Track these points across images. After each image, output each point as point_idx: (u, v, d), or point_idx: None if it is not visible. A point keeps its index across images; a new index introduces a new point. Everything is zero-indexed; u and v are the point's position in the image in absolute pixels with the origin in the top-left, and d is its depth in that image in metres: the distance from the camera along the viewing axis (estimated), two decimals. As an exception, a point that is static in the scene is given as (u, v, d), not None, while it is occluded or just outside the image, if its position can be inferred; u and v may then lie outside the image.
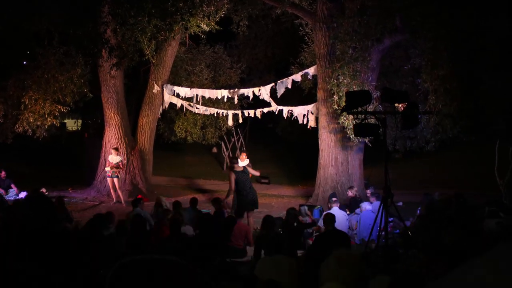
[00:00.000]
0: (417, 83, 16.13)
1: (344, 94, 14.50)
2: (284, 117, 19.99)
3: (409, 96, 9.62)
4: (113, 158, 18.64)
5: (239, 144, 30.61)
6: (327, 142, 17.43)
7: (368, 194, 15.96)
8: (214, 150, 33.42)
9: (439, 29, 13.39)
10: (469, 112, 13.82)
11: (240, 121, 21.77)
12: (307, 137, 22.76)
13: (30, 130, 18.82)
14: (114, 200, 18.56)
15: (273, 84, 19.79)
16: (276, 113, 20.22)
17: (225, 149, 30.11)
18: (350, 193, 15.90)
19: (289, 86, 19.42)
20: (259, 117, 20.91)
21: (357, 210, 14.30)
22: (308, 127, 18.91)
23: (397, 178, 21.05)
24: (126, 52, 17.04)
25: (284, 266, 7.41)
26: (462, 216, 10.90)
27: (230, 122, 22.00)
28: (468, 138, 14.72)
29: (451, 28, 13.22)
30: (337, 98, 15.59)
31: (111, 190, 18.65)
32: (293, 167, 28.21)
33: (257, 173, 15.79)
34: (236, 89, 21.47)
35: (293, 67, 21.60)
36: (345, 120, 15.47)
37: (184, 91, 21.44)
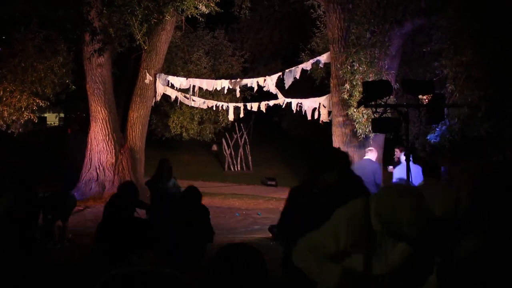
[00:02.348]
0: (433, 67, 15.96)
1: (358, 83, 14.43)
2: (293, 111, 19.92)
3: (434, 86, 9.55)
4: None
5: (242, 141, 30.58)
6: (341, 138, 17.28)
7: None
8: (214, 148, 33.38)
9: (464, 10, 13.29)
10: (493, 102, 13.70)
11: (242, 115, 21.73)
12: (319, 133, 22.68)
13: (4, 125, 18.78)
14: None
15: (280, 73, 19.72)
16: (284, 106, 20.14)
17: (226, 147, 30.10)
18: None
19: (298, 76, 19.35)
20: (264, 111, 20.84)
21: None
22: (320, 122, 18.82)
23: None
24: (113, 37, 16.99)
25: None
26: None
27: (231, 117, 21.96)
28: (489, 131, 14.59)
29: (478, 9, 13.12)
30: (348, 86, 15.46)
31: None
32: (303, 167, 28.15)
33: None
34: (238, 79, 21.43)
35: (303, 54, 21.52)
36: (354, 112, 15.31)
37: (179, 81, 21.41)
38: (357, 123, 15.31)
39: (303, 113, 19.39)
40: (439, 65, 14.62)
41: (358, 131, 15.49)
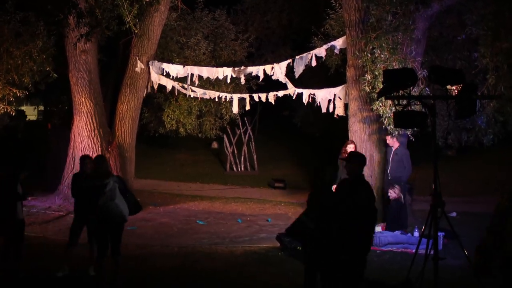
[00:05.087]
0: (473, 58, 15.91)
1: (380, 73, 14.40)
2: (304, 103, 19.90)
3: (465, 76, 9.54)
4: None
5: (246, 138, 30.52)
6: (359, 135, 17.31)
7: (409, 202, 15.85)
8: (215, 145, 33.40)
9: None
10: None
11: (248, 107, 21.66)
12: (334, 128, 22.67)
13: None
14: None
15: (290, 60, 19.69)
16: (294, 97, 20.13)
17: (228, 144, 30.08)
18: (392, 195, 15.42)
19: (311, 63, 19.31)
20: (273, 103, 20.80)
21: None
22: (335, 115, 18.80)
23: (450, 182, 21.01)
24: (100, 19, 16.98)
25: None
26: None
27: (235, 109, 21.91)
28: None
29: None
30: (370, 77, 15.43)
31: None
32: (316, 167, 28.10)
33: None
34: (242, 67, 21.35)
35: (315, 38, 21.47)
36: (380, 106, 15.30)
37: (176, 69, 21.35)
38: (385, 118, 15.24)
39: (316, 106, 19.35)
40: (479, 55, 14.55)
41: (388, 128, 15.44)
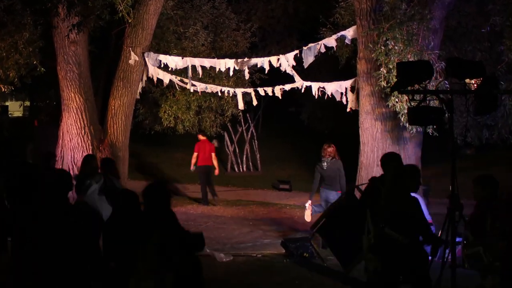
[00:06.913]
0: (499, 51, 15.89)
1: (395, 66, 14.40)
2: (311, 98, 19.79)
3: (486, 68, 9.54)
4: None
5: (249, 136, 30.49)
6: (371, 132, 17.25)
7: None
8: (215, 143, 33.35)
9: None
10: None
11: (255, 102, 21.46)
12: (344, 125, 22.67)
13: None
14: None
15: (297, 51, 19.65)
16: (303, 91, 20.05)
17: (229, 143, 30.08)
18: None
19: (321, 51, 19.20)
20: (279, 97, 20.64)
21: None
22: (348, 109, 18.62)
23: (469, 183, 21.00)
24: (91, 8, 16.98)
25: None
26: None
27: (240, 105, 21.65)
28: None
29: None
30: (385, 71, 15.40)
31: None
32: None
33: None
34: (246, 59, 21.25)
35: (324, 28, 21.43)
36: (397, 102, 15.26)
37: (174, 61, 21.13)
38: (402, 115, 15.20)
39: (326, 98, 19.23)
40: (505, 48, 14.54)
41: (407, 126, 15.39)
